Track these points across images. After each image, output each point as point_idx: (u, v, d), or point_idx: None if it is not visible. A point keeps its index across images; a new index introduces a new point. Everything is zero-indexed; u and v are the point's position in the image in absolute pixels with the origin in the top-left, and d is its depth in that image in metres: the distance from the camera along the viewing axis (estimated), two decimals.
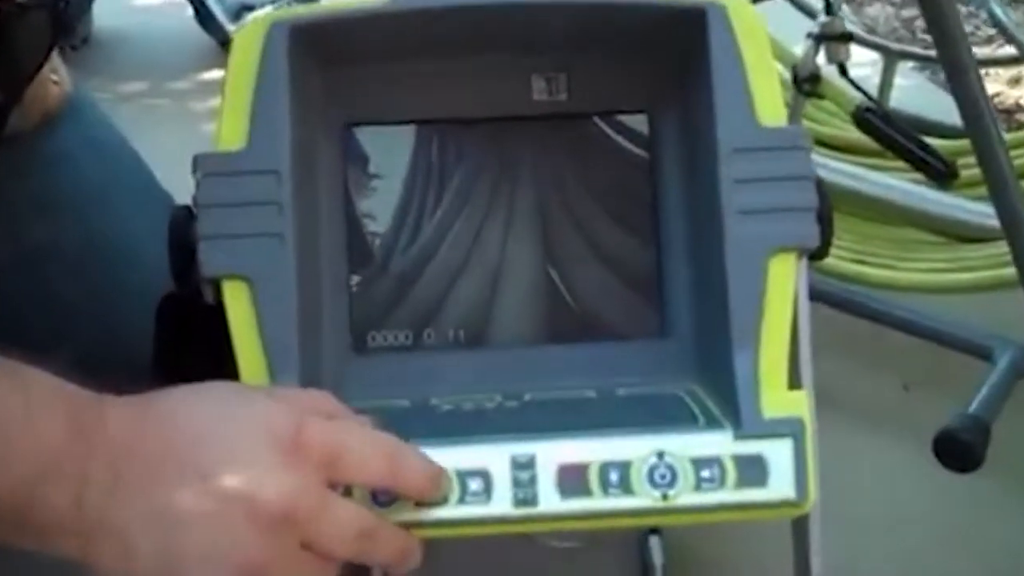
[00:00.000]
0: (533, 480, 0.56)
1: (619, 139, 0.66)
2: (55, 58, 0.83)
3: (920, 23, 1.93)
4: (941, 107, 1.35)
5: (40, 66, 0.78)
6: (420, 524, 0.56)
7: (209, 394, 0.55)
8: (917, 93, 1.70)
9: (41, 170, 0.82)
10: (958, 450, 0.83)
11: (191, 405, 0.54)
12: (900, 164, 1.14)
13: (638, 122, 0.67)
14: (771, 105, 0.61)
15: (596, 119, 0.66)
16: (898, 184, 1.20)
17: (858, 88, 0.94)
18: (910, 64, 1.64)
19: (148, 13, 2.07)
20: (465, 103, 0.66)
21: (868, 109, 0.90)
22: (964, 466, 0.83)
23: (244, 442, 0.53)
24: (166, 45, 1.87)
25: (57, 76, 0.86)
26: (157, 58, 1.81)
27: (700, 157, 0.64)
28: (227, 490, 0.51)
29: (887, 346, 1.15)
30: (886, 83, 1.34)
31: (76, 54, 1.77)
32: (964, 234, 1.20)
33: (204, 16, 1.86)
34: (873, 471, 0.99)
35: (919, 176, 1.11)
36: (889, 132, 0.89)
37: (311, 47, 0.63)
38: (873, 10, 2.08)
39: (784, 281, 0.60)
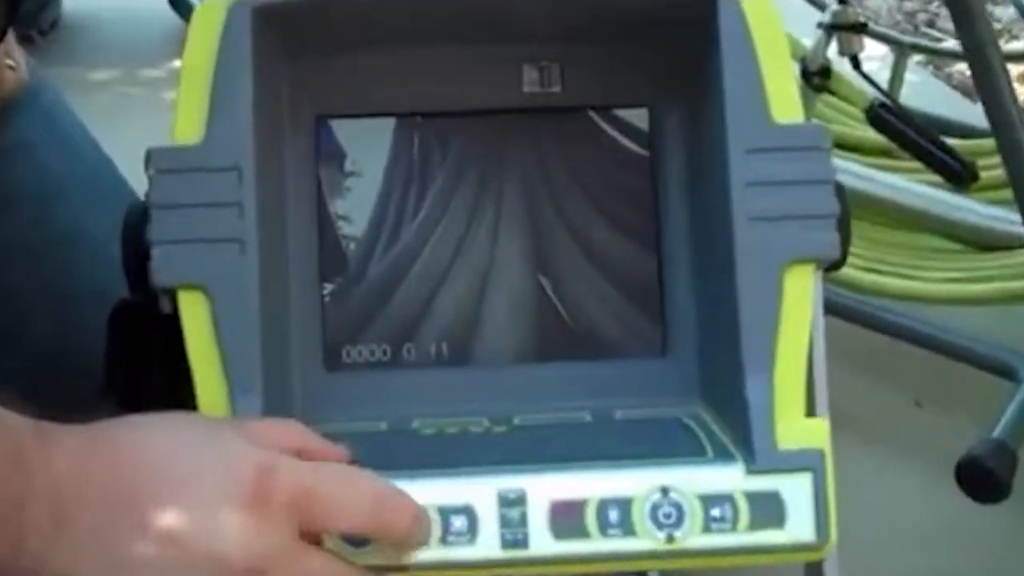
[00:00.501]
0: (523, 519, 0.53)
1: (617, 136, 0.63)
2: (10, 42, 0.79)
3: (923, 16, 1.89)
4: (950, 105, 1.30)
5: None
6: (398, 568, 0.52)
7: (167, 429, 0.51)
8: (924, 89, 1.65)
9: None
10: (983, 478, 0.78)
11: (147, 443, 0.50)
12: (913, 165, 1.10)
13: (639, 117, 0.63)
14: (787, 101, 0.56)
15: (592, 113, 0.63)
16: (913, 187, 1.15)
17: (872, 83, 0.89)
18: (915, 59, 1.60)
19: None
20: (449, 94, 0.62)
21: (882, 105, 0.85)
22: (990, 495, 0.77)
23: (207, 490, 0.48)
24: (139, 30, 1.81)
25: (12, 61, 0.81)
26: (129, 44, 1.75)
27: (707, 157, 0.60)
28: (188, 545, 0.47)
29: (898, 360, 1.12)
30: (897, 78, 1.29)
31: (43, 39, 1.71)
32: (985, 241, 1.16)
33: (177, 0, 1.82)
34: (883, 493, 0.96)
35: (934, 178, 1.06)
36: (905, 130, 0.84)
37: (278, 30, 0.59)
38: (874, 3, 2.02)
39: (801, 296, 0.56)
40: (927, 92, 1.65)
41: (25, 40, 0.79)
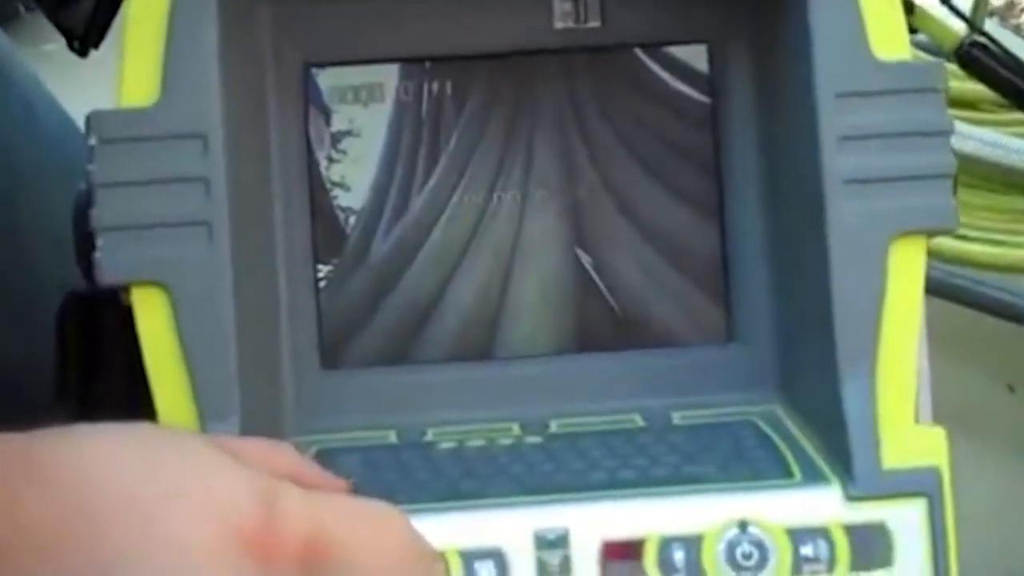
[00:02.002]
0: (566, 565, 0.44)
1: (671, 80, 0.55)
2: None
3: None
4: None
5: None
6: None
7: (139, 452, 0.40)
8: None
9: None
10: None
11: (112, 472, 0.39)
12: (1002, 117, 1.02)
13: (696, 56, 0.55)
14: (891, 31, 0.47)
15: (639, 52, 0.55)
16: (1005, 140, 1.08)
17: (964, 18, 0.79)
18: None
19: None
20: (464, 34, 0.54)
21: (975, 44, 0.75)
22: None
23: (196, 539, 0.38)
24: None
25: None
26: (118, 22, 1.67)
27: (786, 105, 0.50)
28: None
29: (987, 339, 1.06)
30: (978, 15, 1.20)
31: (30, 15, 1.65)
32: None
33: None
34: (975, 488, 0.88)
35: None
36: (1006, 73, 0.74)
37: None
38: None
39: (911, 275, 0.47)
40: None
41: (12, 15, 0.73)
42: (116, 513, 0.38)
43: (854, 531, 0.44)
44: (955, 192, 0.48)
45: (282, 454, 0.44)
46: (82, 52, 0.57)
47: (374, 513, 0.41)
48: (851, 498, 0.45)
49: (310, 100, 0.54)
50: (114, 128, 0.46)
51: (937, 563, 0.44)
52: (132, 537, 0.37)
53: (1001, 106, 1.05)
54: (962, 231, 1.00)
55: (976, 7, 1.15)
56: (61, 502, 0.38)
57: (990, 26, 1.68)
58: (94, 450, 0.39)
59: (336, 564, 0.39)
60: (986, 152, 1.05)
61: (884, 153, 0.46)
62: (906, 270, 0.46)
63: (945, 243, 1.01)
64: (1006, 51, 0.70)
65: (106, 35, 0.59)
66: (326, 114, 0.54)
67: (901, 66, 0.47)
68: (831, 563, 0.44)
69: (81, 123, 0.47)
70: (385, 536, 0.40)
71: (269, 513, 0.38)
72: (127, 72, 0.46)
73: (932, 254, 1.02)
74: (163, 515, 0.37)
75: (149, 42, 0.46)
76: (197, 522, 0.38)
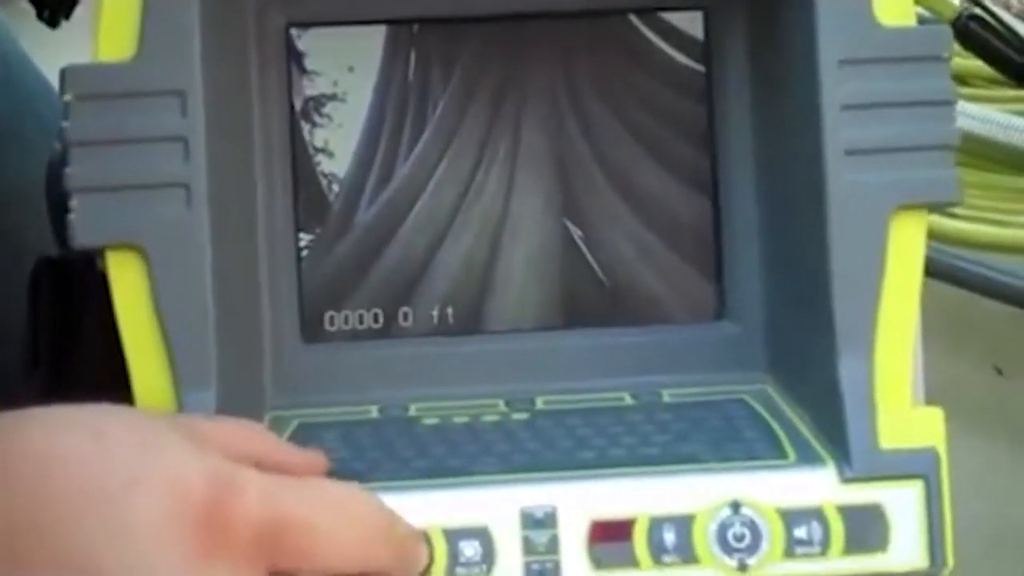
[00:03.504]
0: (553, 544, 0.43)
1: (664, 46, 0.53)
2: None
3: None
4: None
5: None
6: None
7: (97, 439, 0.39)
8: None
9: None
10: None
11: (71, 462, 0.38)
12: (999, 93, 1.00)
13: (691, 22, 0.53)
14: None
15: (633, 17, 0.53)
16: (1003, 117, 1.06)
17: None
18: None
19: None
20: None
21: (973, 17, 0.73)
22: None
23: (139, 515, 0.37)
24: None
25: None
26: None
27: (785, 72, 0.49)
28: None
29: (979, 321, 1.03)
30: None
31: None
32: None
33: None
34: (962, 474, 0.86)
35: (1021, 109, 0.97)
36: (1003, 47, 0.72)
37: None
38: None
39: (912, 250, 0.46)
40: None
41: None
42: (79, 504, 0.37)
43: (849, 513, 0.43)
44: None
45: (252, 435, 0.43)
46: (52, 23, 0.55)
47: (338, 496, 0.40)
48: (847, 479, 0.44)
49: (293, 61, 0.52)
50: (89, 84, 0.44)
51: (933, 545, 0.43)
52: (97, 527, 0.37)
53: (994, 82, 1.03)
54: (957, 209, 0.99)
55: None
56: (22, 495, 0.37)
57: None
58: (52, 439, 0.38)
59: (294, 548, 0.38)
60: (977, 128, 1.04)
61: (886, 123, 0.45)
62: (906, 245, 0.45)
63: (942, 222, 1.00)
64: (1004, 24, 0.69)
65: (77, 4, 0.57)
66: (310, 77, 0.52)
67: (906, 32, 0.45)
68: (825, 545, 0.43)
69: (56, 83, 0.45)
70: (348, 520, 0.39)
71: (224, 497, 0.37)
72: (103, 25, 0.44)
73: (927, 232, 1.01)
74: (126, 504, 0.37)
75: None
76: (157, 508, 0.37)
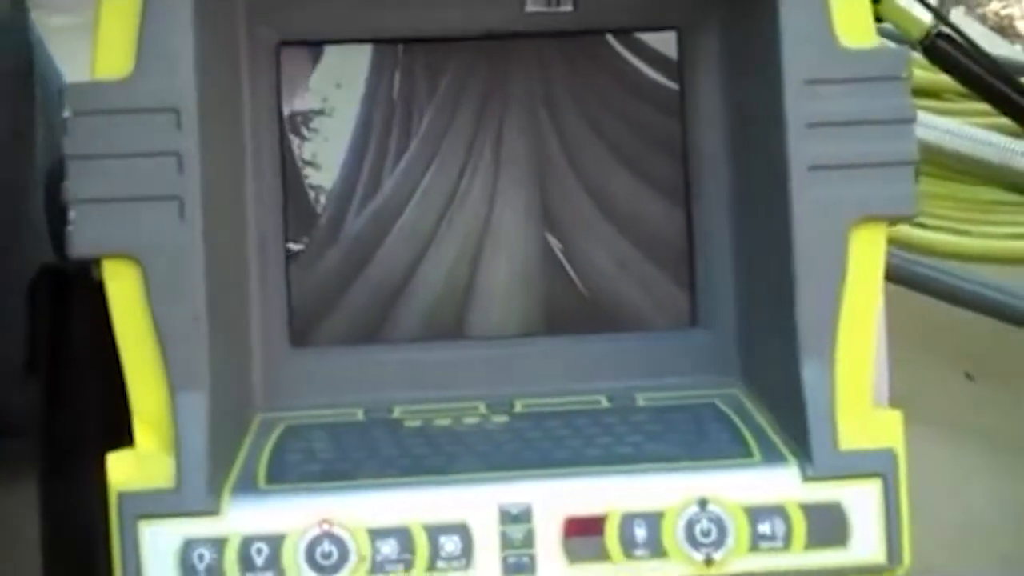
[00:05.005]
0: (529, 538, 0.45)
1: (640, 65, 0.55)
2: None
3: None
4: (986, 45, 1.22)
5: None
6: None
7: None
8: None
9: None
10: None
11: None
12: (963, 107, 1.02)
13: (665, 42, 0.55)
14: (857, 19, 0.48)
15: (610, 38, 0.55)
16: (968, 130, 1.07)
17: (929, 8, 0.79)
18: None
19: None
20: (437, 16, 0.54)
21: (941, 35, 0.75)
22: None
23: None
24: None
25: None
26: None
27: (754, 91, 0.51)
28: None
29: (946, 326, 1.06)
30: (944, 7, 1.20)
31: None
32: None
33: None
34: (933, 477, 0.88)
35: (986, 122, 0.98)
36: (970, 65, 0.74)
37: None
38: None
39: (871, 261, 0.48)
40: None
41: None
42: None
43: (810, 510, 0.45)
44: (917, 180, 0.48)
45: None
46: None
47: None
48: (808, 478, 0.46)
49: (284, 78, 0.54)
50: (88, 101, 0.46)
51: (890, 541, 0.45)
52: None
53: (965, 96, 1.05)
54: (924, 219, 1.00)
55: (942, 1, 1.15)
56: None
57: (957, 15, 1.69)
58: None
59: None
60: (949, 141, 1.05)
61: (848, 140, 0.47)
62: (866, 256, 0.47)
63: (910, 232, 1.01)
64: (972, 42, 0.71)
65: None
66: (300, 93, 0.54)
67: (867, 54, 0.47)
68: (787, 541, 0.45)
69: None
70: None
71: None
72: (101, 44, 0.46)
73: (894, 242, 1.02)
74: None
75: (124, 14, 0.46)
76: None
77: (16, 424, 0.56)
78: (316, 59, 0.54)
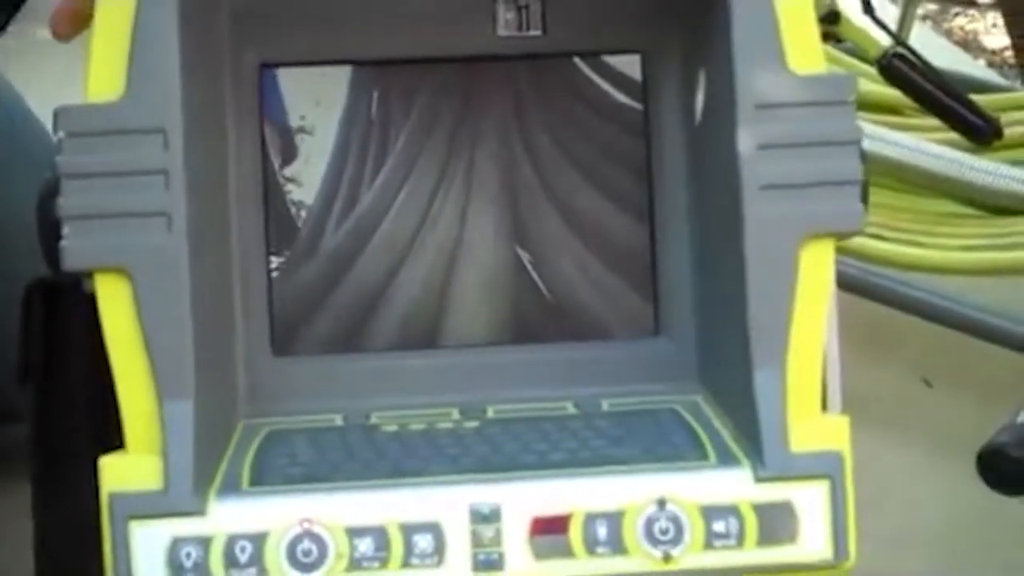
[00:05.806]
0: (498, 537, 0.47)
1: (607, 87, 0.57)
2: None
3: None
4: (952, 60, 1.23)
5: None
6: None
7: None
8: (924, 45, 1.59)
9: None
10: (1010, 470, 0.72)
11: None
12: (920, 122, 1.03)
13: (631, 65, 0.57)
14: (806, 46, 0.49)
15: (577, 61, 0.57)
16: (925, 145, 1.09)
17: (887, 29, 0.81)
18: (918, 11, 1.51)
19: None
20: (412, 39, 0.56)
21: (897, 55, 0.77)
22: (1016, 488, 0.72)
23: None
24: None
25: None
26: None
27: (711, 112, 0.53)
28: None
29: (904, 335, 1.06)
30: (904, 28, 1.21)
31: None
32: (1006, 205, 1.08)
33: None
34: (891, 481, 0.89)
35: (943, 137, 1.00)
36: (924, 83, 0.77)
37: None
38: None
39: (819, 275, 0.49)
40: (927, 47, 1.59)
41: None
42: None
43: (762, 509, 0.47)
44: (866, 196, 0.50)
45: None
46: None
47: None
48: (760, 479, 0.47)
49: (265, 98, 0.55)
50: (80, 122, 0.48)
51: (837, 539, 0.47)
52: None
53: (923, 112, 1.07)
54: (883, 232, 1.02)
55: (903, 20, 1.18)
56: None
57: (924, 31, 1.71)
58: None
59: None
60: (907, 156, 1.06)
61: (797, 160, 0.49)
62: (815, 270, 0.49)
63: (869, 244, 1.02)
64: (926, 63, 0.73)
65: (11, 20, 0.58)
66: (281, 113, 0.55)
67: (815, 80, 0.49)
68: (740, 538, 0.47)
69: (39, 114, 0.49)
70: None
71: None
72: (93, 69, 0.48)
73: (853, 253, 1.04)
74: None
75: (114, 42, 0.48)
76: None
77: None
78: (297, 80, 0.56)
